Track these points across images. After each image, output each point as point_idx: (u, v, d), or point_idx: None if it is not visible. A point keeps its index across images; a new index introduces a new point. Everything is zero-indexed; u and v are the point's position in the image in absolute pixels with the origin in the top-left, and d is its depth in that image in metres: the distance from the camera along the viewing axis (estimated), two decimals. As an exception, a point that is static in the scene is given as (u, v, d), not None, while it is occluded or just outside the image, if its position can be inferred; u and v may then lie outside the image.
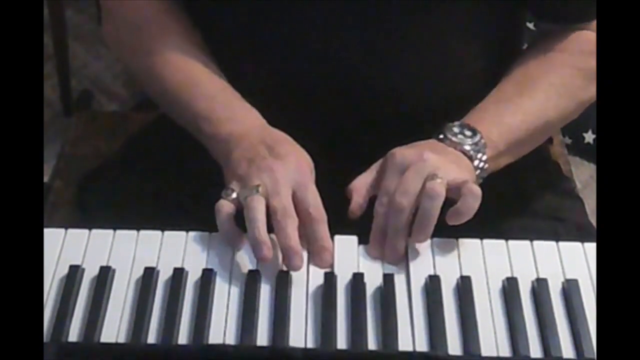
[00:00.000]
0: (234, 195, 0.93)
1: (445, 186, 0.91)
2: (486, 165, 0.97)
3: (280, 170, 0.93)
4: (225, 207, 0.92)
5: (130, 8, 1.10)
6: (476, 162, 0.96)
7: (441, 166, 0.92)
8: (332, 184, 0.99)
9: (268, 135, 0.98)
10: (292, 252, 0.89)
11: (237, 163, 0.95)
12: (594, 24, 1.06)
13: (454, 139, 0.96)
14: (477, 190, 0.91)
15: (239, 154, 0.96)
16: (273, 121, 1.02)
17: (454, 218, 0.91)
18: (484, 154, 0.97)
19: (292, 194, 0.92)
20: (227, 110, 1.01)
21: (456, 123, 0.98)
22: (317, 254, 0.91)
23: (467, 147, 0.96)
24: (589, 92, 1.04)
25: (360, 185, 0.96)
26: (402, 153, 0.94)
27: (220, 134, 0.99)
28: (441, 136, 0.97)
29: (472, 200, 0.90)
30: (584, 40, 1.06)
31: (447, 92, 1.07)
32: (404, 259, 0.92)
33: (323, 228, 0.92)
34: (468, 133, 0.97)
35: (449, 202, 0.91)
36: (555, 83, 1.03)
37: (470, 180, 0.93)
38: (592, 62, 1.02)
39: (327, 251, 0.91)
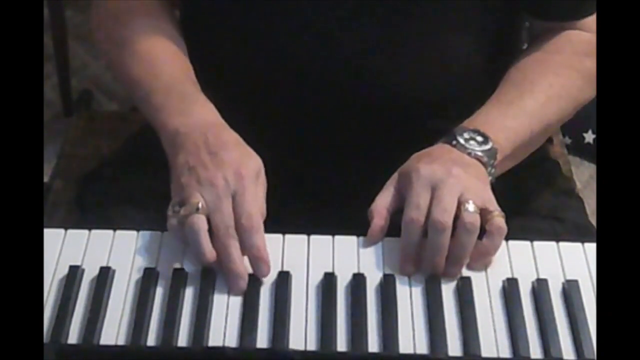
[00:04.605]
0: (182, 212, 0.92)
1: (479, 215, 0.90)
2: (495, 171, 0.97)
3: (220, 183, 0.92)
4: (175, 225, 0.92)
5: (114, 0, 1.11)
6: (489, 169, 0.96)
7: (469, 184, 0.92)
8: (332, 180, 0.99)
9: (213, 137, 0.96)
10: (235, 276, 0.88)
11: (181, 170, 0.94)
12: (585, 22, 1.07)
13: (466, 144, 0.95)
14: (503, 226, 0.90)
15: (182, 158, 0.95)
16: (266, 116, 1.01)
17: (480, 259, 0.91)
18: (495, 160, 0.96)
19: (232, 202, 0.92)
20: (181, 102, 1.00)
21: (466, 127, 0.97)
22: (252, 264, 0.90)
23: (480, 154, 0.95)
24: (587, 93, 1.04)
25: (381, 207, 0.94)
26: (430, 168, 0.93)
27: (169, 125, 0.99)
28: (454, 142, 0.96)
29: (499, 238, 0.90)
30: (577, 42, 1.06)
31: (443, 86, 1.07)
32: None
33: (256, 237, 0.90)
34: (479, 139, 0.96)
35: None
36: (554, 84, 1.03)
37: (495, 208, 0.92)
38: (588, 63, 1.03)
39: (261, 261, 0.90)
